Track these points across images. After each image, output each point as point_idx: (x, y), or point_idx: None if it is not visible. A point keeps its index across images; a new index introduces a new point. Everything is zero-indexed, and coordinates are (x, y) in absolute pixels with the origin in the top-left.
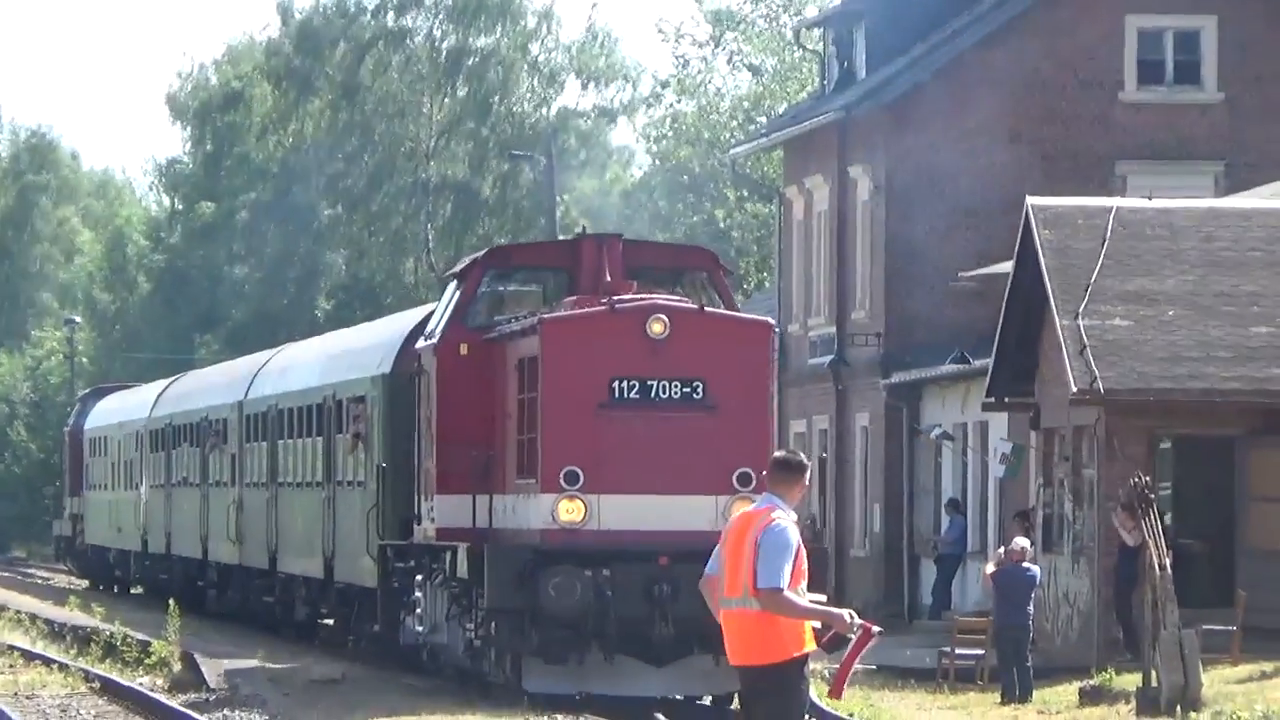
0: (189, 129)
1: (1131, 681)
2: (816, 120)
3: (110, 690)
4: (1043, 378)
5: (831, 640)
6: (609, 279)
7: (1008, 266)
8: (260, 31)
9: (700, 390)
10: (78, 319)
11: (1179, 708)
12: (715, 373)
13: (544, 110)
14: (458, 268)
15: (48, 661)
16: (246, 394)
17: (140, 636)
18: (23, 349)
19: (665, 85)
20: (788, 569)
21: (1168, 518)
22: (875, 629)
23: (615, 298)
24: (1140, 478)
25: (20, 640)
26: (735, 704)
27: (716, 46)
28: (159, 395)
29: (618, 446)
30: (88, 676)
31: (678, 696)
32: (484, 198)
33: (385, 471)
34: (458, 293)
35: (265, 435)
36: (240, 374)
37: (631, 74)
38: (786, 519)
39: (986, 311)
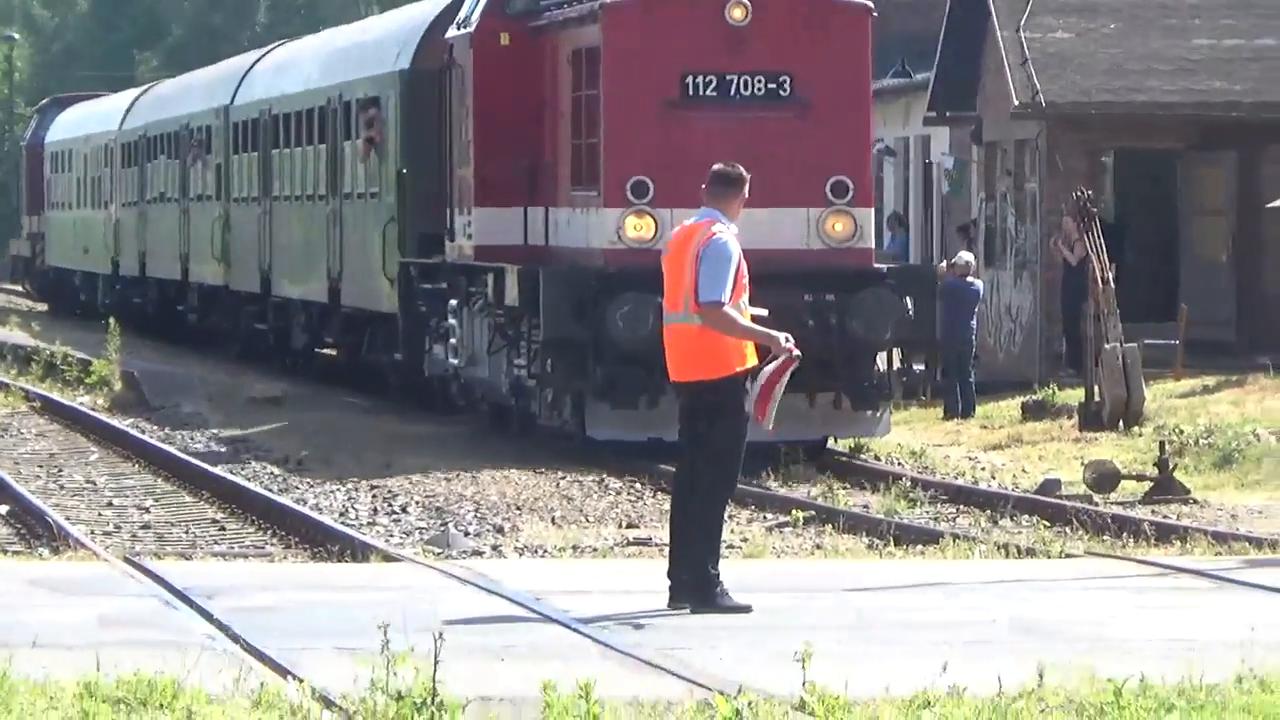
0: None
1: (1074, 396)
2: None
3: (52, 409)
4: (984, 91)
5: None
6: None
7: None
8: None
9: (788, 85)
10: (15, 35)
11: (1121, 422)
12: (805, 65)
13: None
14: None
15: None
16: (234, 99)
17: (81, 356)
18: None
19: None
20: (729, 283)
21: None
22: (796, 352)
23: None
24: (1082, 191)
25: None
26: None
27: None
28: (131, 104)
29: (693, 152)
30: (28, 395)
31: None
32: None
33: (406, 179)
34: None
35: (256, 145)
36: (226, 76)
37: None
38: (728, 232)
39: (928, 24)
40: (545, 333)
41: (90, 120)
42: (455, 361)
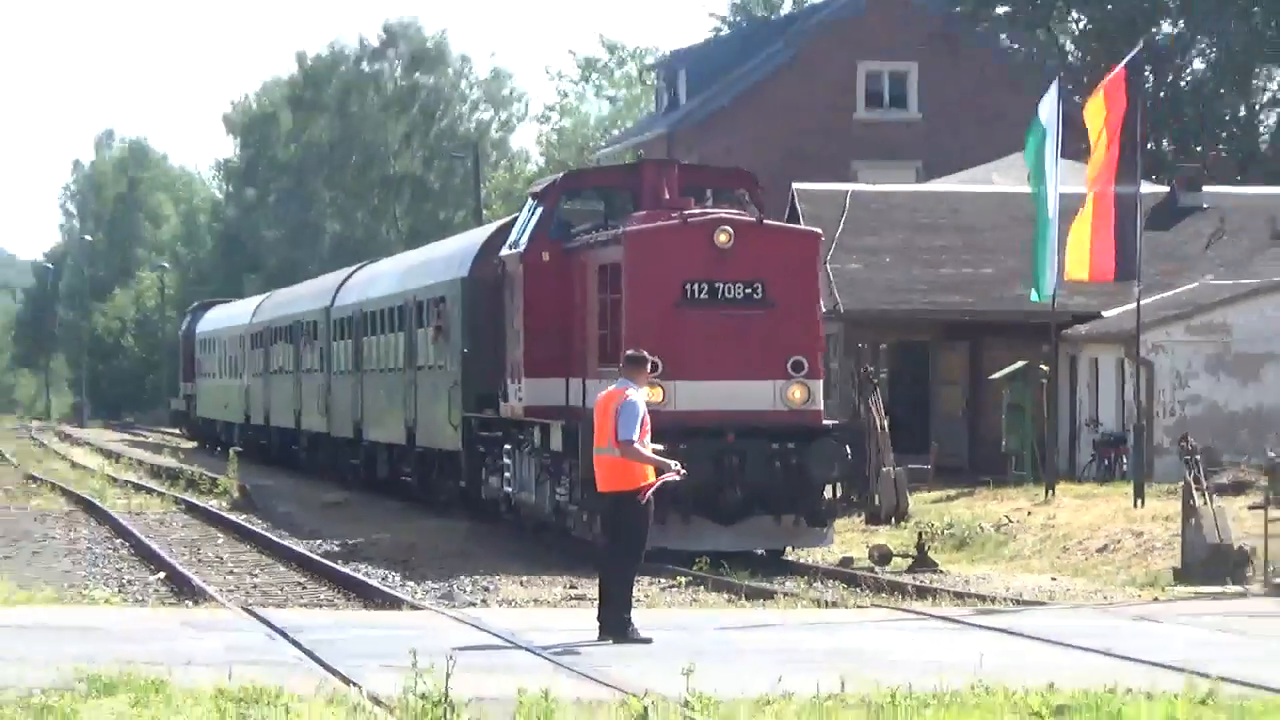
0: (238, 138)
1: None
2: (653, 132)
3: (192, 509)
4: None
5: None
6: (668, 197)
7: None
8: (284, 73)
9: (760, 290)
10: (166, 265)
11: (894, 519)
12: (772, 276)
13: (469, 124)
14: (537, 188)
15: (149, 491)
16: (333, 302)
17: (212, 475)
18: (129, 285)
19: (551, 109)
20: (637, 427)
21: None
22: (682, 473)
23: (686, 212)
24: (865, 368)
25: (131, 476)
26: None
27: (585, 82)
28: (258, 305)
29: (691, 339)
30: (176, 500)
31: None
32: (430, 185)
33: (468, 356)
34: (539, 209)
35: (350, 334)
36: (326, 287)
37: (525, 100)
38: (637, 395)
39: None
40: (584, 472)
41: (228, 317)
42: (509, 489)
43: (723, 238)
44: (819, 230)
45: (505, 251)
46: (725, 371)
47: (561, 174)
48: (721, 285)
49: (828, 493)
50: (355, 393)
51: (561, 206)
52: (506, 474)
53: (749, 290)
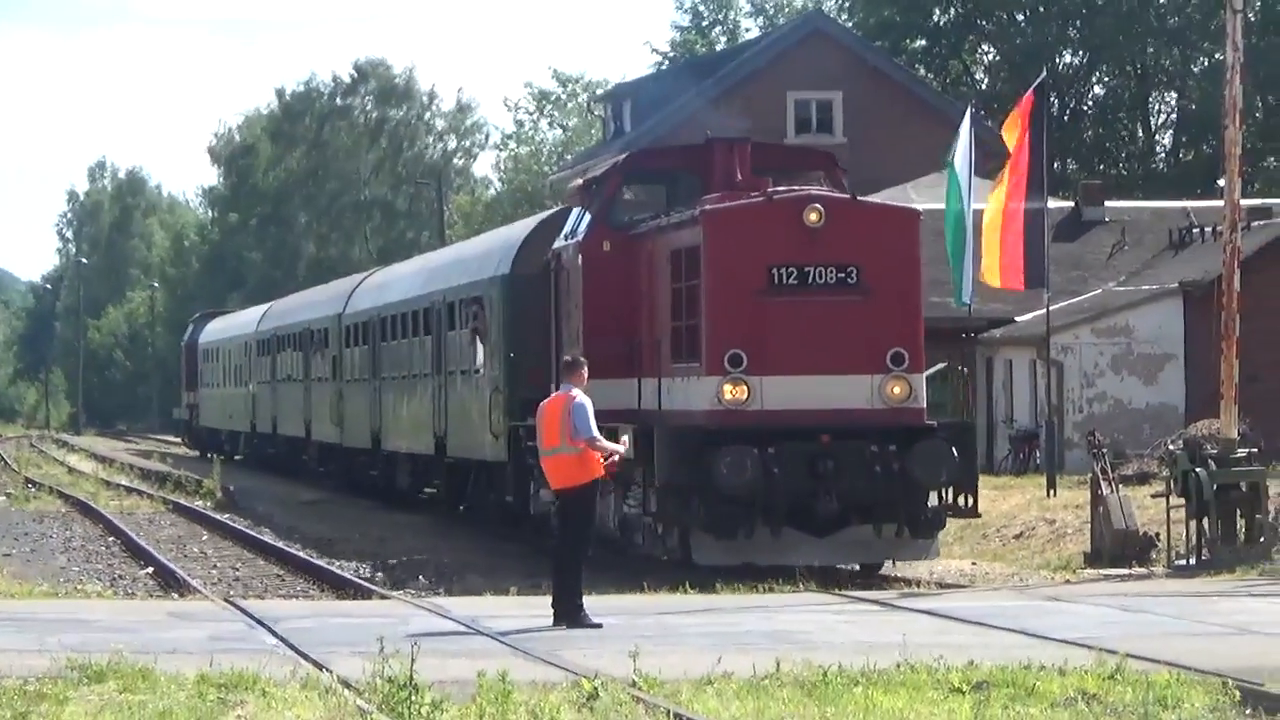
0: (222, 168)
1: None
2: (602, 157)
3: (179, 509)
4: None
5: (612, 465)
6: (740, 177)
7: None
8: (264, 107)
9: (854, 275)
10: (156, 285)
11: None
12: (868, 258)
13: (434, 153)
14: (594, 173)
15: (140, 493)
16: (345, 308)
17: (196, 476)
18: (121, 304)
19: (509, 138)
20: (594, 423)
21: None
22: (630, 454)
23: (771, 189)
24: None
25: (123, 479)
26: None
27: (540, 113)
28: (264, 314)
29: (778, 330)
30: (165, 501)
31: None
32: (398, 209)
33: (512, 360)
34: (598, 195)
35: (366, 340)
36: (337, 293)
37: (486, 129)
38: (581, 395)
39: None
40: (660, 479)
41: (232, 326)
42: None
43: (813, 216)
44: (918, 208)
45: (559, 243)
46: (817, 365)
47: (623, 155)
48: (812, 269)
49: (933, 499)
50: (373, 400)
51: (622, 192)
52: None
53: (842, 275)
